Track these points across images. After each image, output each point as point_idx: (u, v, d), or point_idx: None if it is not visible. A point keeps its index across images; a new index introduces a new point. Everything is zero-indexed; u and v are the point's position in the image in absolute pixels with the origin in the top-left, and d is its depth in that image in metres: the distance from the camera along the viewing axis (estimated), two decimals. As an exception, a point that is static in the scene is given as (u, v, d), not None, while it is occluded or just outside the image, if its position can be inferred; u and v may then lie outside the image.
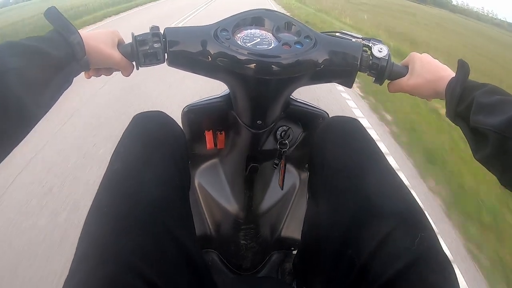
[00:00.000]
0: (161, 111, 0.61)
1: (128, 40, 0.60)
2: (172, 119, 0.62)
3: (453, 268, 0.43)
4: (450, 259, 0.43)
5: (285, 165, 0.79)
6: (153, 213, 0.45)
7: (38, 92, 0.42)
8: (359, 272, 0.45)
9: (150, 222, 0.44)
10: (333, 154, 0.60)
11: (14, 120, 0.38)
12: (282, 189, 0.80)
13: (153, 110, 0.61)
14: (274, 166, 0.79)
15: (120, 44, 0.59)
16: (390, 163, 0.56)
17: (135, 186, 0.46)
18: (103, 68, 0.59)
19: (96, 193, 0.46)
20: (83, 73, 0.54)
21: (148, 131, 0.56)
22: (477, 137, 0.48)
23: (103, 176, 0.49)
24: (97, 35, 0.55)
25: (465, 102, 0.50)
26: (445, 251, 0.44)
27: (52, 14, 0.49)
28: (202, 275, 0.49)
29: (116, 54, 0.57)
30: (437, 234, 0.46)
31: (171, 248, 0.45)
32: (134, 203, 0.44)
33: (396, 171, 0.55)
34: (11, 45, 0.41)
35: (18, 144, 0.41)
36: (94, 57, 0.54)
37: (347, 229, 0.50)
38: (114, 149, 0.54)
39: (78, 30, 0.49)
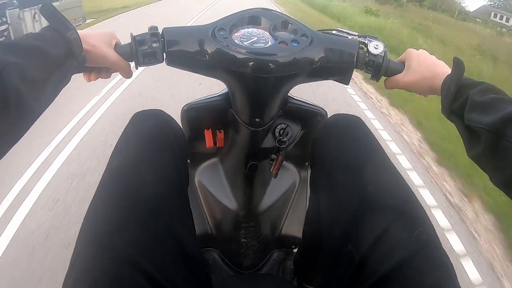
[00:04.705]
0: (161, 110, 0.61)
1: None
2: (171, 117, 0.62)
3: (452, 264, 0.43)
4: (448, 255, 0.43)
5: (282, 160, 0.78)
6: (151, 210, 0.45)
7: (38, 88, 0.42)
8: (357, 267, 0.45)
9: (148, 218, 0.44)
10: (334, 151, 0.60)
11: (15, 114, 0.38)
12: (275, 177, 0.79)
13: (152, 108, 0.61)
14: (270, 162, 0.78)
15: (117, 45, 0.59)
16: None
17: (134, 184, 0.47)
18: (103, 71, 0.59)
19: (96, 190, 0.47)
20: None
21: (147, 129, 0.56)
22: (470, 135, 0.48)
23: (103, 174, 0.49)
24: (94, 35, 0.55)
25: (459, 99, 0.50)
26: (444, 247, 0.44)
27: (47, 10, 0.48)
28: (200, 272, 0.50)
29: (113, 54, 0.57)
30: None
31: (170, 244, 0.45)
32: (133, 200, 0.45)
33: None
34: (8, 45, 0.41)
35: (18, 140, 0.40)
36: (91, 55, 0.54)
37: (346, 225, 0.50)
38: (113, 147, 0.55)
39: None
